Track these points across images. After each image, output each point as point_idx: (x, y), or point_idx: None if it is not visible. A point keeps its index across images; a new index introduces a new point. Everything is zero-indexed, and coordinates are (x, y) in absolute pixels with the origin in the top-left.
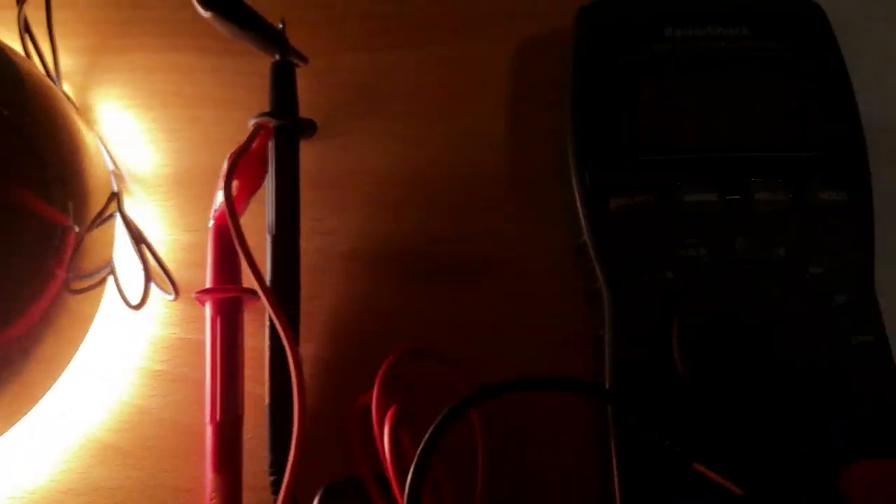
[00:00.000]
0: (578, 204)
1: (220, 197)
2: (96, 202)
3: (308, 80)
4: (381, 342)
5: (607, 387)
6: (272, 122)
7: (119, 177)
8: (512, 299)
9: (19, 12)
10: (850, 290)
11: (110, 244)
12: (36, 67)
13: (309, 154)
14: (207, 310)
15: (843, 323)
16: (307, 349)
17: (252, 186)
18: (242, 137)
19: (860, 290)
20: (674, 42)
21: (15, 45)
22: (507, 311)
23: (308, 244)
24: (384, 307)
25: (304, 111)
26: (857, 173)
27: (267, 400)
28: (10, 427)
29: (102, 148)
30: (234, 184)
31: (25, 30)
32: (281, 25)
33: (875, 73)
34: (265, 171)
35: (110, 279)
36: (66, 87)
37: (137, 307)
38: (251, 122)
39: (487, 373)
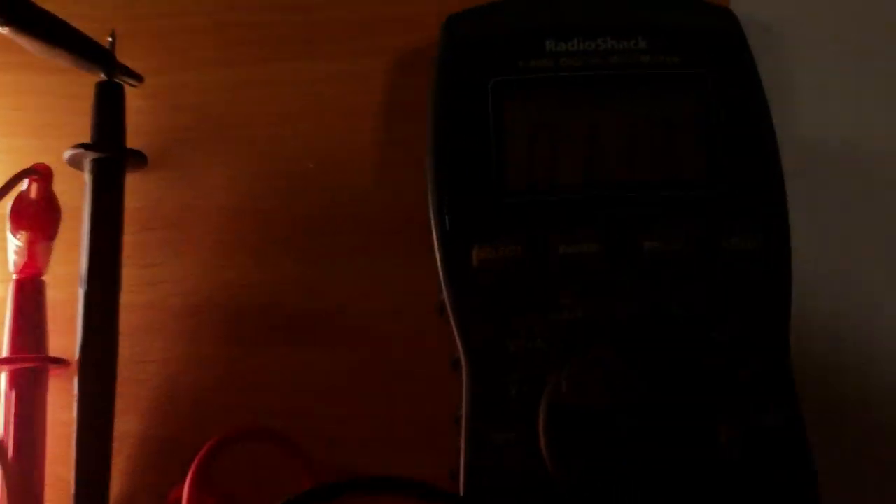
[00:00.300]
0: (436, 254)
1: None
2: None
3: (144, 101)
4: (220, 417)
5: (461, 483)
6: (90, 155)
7: None
8: (379, 366)
9: None
10: (761, 360)
11: None
12: None
13: (141, 188)
14: (1, 382)
15: (751, 401)
16: (128, 425)
17: (43, 236)
18: (68, 171)
19: (773, 359)
20: (555, 58)
21: None
22: (371, 381)
23: (135, 297)
24: (226, 373)
25: (138, 138)
26: (771, 215)
27: (73, 489)
28: None
29: None
30: (22, 234)
31: None
32: (111, 39)
33: (813, 90)
34: (55, 217)
35: None
36: None
37: None
38: (66, 154)
39: (342, 456)
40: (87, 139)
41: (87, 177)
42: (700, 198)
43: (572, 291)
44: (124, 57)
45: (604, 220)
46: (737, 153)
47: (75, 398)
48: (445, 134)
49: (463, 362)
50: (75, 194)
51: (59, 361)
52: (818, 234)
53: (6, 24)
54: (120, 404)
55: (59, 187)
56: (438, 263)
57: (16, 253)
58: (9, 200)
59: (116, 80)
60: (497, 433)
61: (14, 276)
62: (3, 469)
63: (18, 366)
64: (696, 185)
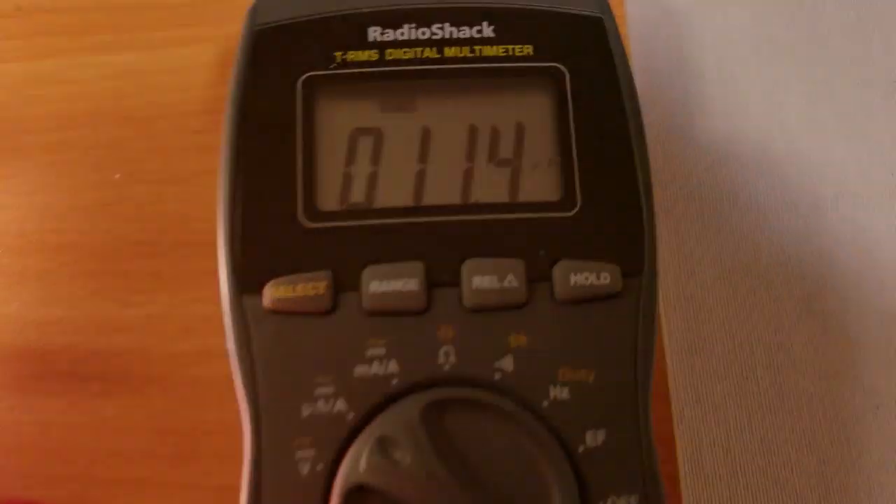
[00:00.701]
0: (221, 290)
1: None
2: None
3: None
4: None
5: None
6: None
7: None
8: (187, 421)
9: None
10: (610, 425)
11: None
12: None
13: None
14: None
15: (596, 478)
16: None
17: None
18: None
19: (625, 423)
20: (381, 49)
21: None
22: (177, 438)
23: None
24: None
25: None
26: (632, 246)
27: None
28: None
29: None
30: None
31: None
32: None
33: (722, 80)
34: None
35: None
36: None
37: None
38: None
39: None
40: None
41: None
42: (548, 224)
43: (386, 341)
44: None
45: (429, 252)
46: (596, 169)
47: None
48: (243, 141)
49: (245, 428)
50: None
51: None
52: (727, 228)
53: None
54: None
55: None
56: (223, 302)
57: None
58: None
59: None
60: None
61: None
62: None
63: None
64: (545, 208)
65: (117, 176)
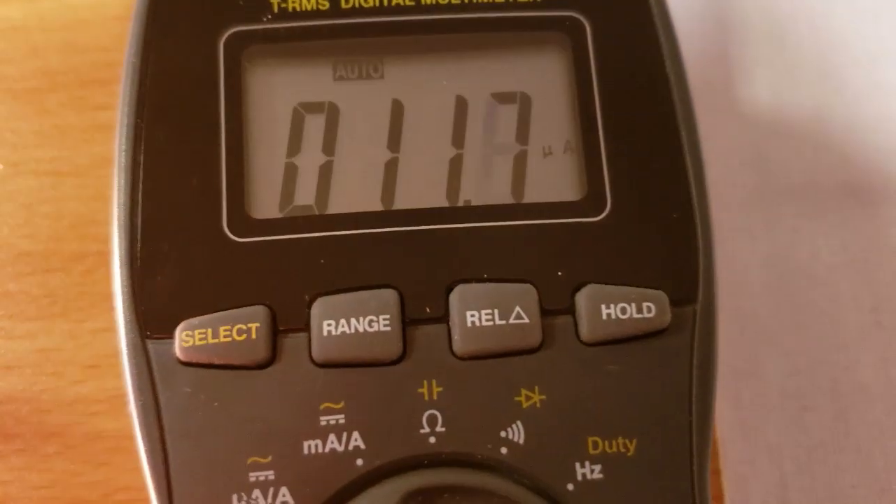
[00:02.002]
0: (118, 332)
1: None
2: None
3: None
4: None
5: None
6: None
7: None
8: (79, 497)
9: None
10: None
11: None
12: None
13: None
14: None
15: None
16: None
17: None
18: None
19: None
20: None
21: None
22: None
23: None
24: None
25: None
26: (683, 264)
27: None
28: None
29: None
30: None
31: None
32: None
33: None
34: None
35: None
36: None
37: None
38: None
39: None
40: None
41: None
42: (567, 235)
43: (346, 405)
44: None
45: (405, 277)
46: (631, 157)
47: None
48: (145, 125)
49: None
50: None
51: None
52: (779, 221)
53: None
54: None
55: None
56: (120, 347)
57: None
58: None
59: None
60: None
61: None
62: None
63: None
64: (563, 212)
65: None
